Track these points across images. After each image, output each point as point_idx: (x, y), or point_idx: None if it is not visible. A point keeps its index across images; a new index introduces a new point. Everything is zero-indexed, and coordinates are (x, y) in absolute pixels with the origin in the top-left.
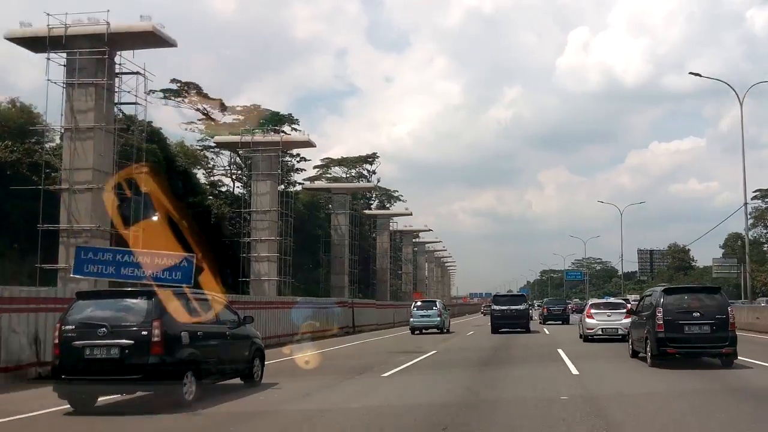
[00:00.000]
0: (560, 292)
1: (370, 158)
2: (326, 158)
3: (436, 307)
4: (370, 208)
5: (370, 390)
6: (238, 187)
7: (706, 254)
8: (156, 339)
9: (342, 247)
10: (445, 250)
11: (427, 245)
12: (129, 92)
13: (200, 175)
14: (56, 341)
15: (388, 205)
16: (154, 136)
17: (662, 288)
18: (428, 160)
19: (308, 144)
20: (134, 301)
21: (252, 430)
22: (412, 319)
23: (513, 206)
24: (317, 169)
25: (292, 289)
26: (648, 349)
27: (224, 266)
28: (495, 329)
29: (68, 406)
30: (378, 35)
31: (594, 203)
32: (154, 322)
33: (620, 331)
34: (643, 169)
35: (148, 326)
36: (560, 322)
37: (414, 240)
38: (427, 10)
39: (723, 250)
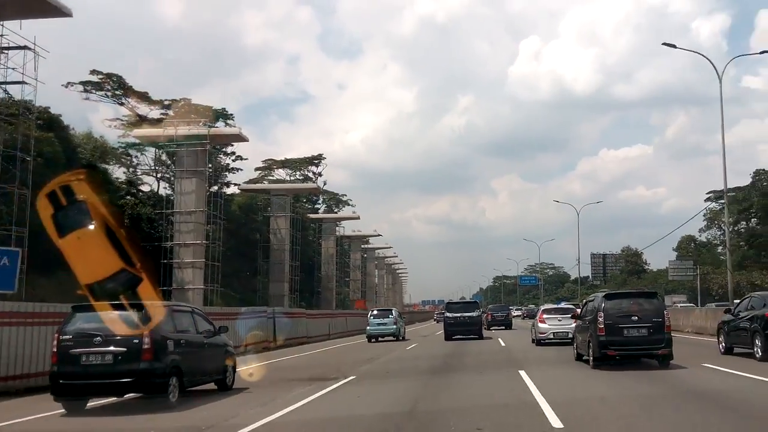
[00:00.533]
0: (513, 298)
1: (316, 160)
2: (268, 159)
3: (392, 315)
4: (317, 213)
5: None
6: (165, 187)
7: (658, 258)
8: (146, 346)
9: (282, 253)
10: (396, 257)
11: (377, 251)
12: (15, 69)
13: (120, 173)
14: (54, 350)
15: (336, 210)
16: (54, 124)
17: (603, 293)
18: (382, 167)
19: (239, 138)
20: (126, 312)
21: None
22: (368, 328)
23: (467, 213)
24: (259, 172)
25: (224, 299)
26: (590, 351)
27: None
28: (448, 336)
29: (62, 409)
30: (330, 42)
31: (547, 210)
32: (145, 331)
33: (570, 335)
34: (593, 176)
35: (139, 335)
36: (503, 327)
37: (363, 246)
38: (380, 18)
39: (676, 253)
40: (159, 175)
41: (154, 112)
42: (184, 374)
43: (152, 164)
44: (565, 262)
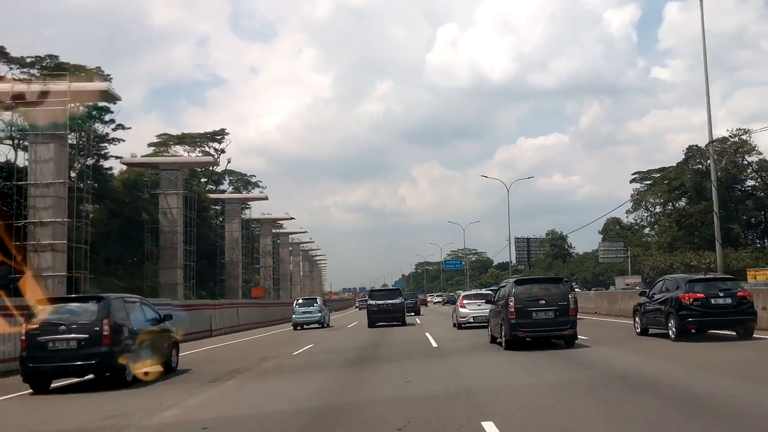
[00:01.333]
0: (436, 285)
1: (219, 135)
2: (163, 134)
3: (317, 303)
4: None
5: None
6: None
7: (582, 243)
8: (106, 333)
9: (174, 236)
10: (313, 242)
11: (291, 237)
12: None
13: None
14: (23, 337)
15: (245, 192)
16: None
17: (514, 279)
18: (299, 154)
19: (109, 96)
20: (86, 304)
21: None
22: (294, 316)
23: (387, 200)
24: (153, 148)
25: (103, 288)
26: (503, 333)
27: None
28: (372, 323)
29: (29, 390)
30: (242, 24)
31: (467, 197)
32: (104, 320)
33: (488, 317)
34: (511, 164)
35: (99, 323)
36: (413, 314)
37: (275, 231)
38: (293, 0)
39: (601, 236)
40: (15, 142)
41: (15, 71)
42: (133, 358)
43: (6, 128)
44: (487, 247)
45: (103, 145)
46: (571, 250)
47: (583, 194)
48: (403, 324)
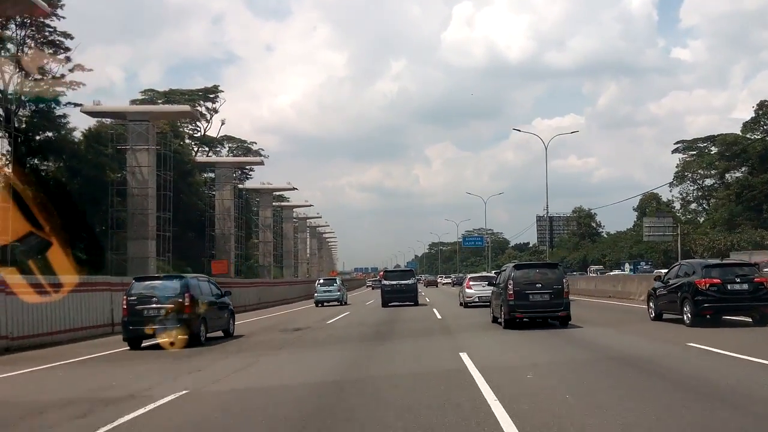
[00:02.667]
0: (450, 266)
1: (211, 93)
2: (149, 90)
3: (337, 283)
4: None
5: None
6: None
7: (612, 221)
8: (187, 304)
9: (145, 200)
10: (320, 217)
11: (296, 211)
12: None
13: None
14: (124, 306)
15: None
16: None
17: (513, 264)
18: (313, 132)
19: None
20: (171, 282)
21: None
22: (316, 294)
23: (400, 181)
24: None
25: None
26: (502, 314)
27: None
28: (385, 303)
29: (127, 347)
30: (257, 1)
31: (481, 178)
32: (186, 294)
33: (490, 298)
34: (525, 146)
35: (182, 296)
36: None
37: (277, 204)
38: None
39: (636, 214)
40: None
41: None
42: (207, 322)
43: None
44: (503, 228)
45: (59, 89)
46: (600, 230)
47: (600, 176)
48: (416, 304)
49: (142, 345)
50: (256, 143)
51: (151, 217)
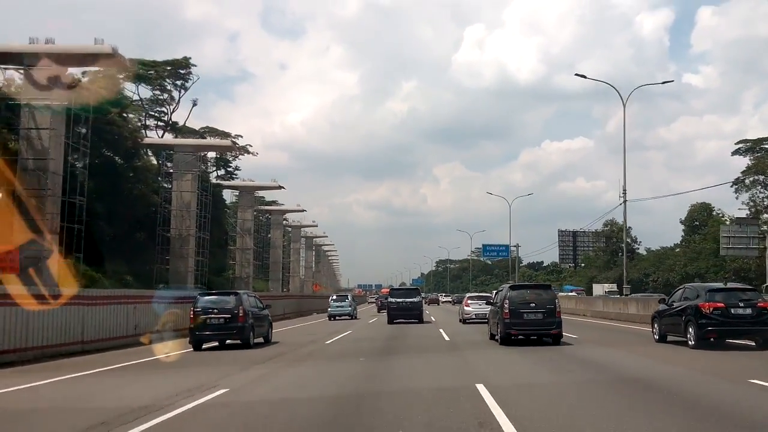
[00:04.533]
0: (458, 284)
1: (182, 68)
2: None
3: (348, 299)
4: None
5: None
6: None
7: (647, 239)
8: (241, 314)
9: (42, 177)
10: (316, 225)
11: (288, 218)
12: None
13: None
14: (192, 315)
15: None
16: None
17: (509, 285)
18: (323, 150)
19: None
20: (227, 297)
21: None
22: (330, 309)
23: (408, 200)
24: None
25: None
26: (498, 331)
27: None
28: (391, 320)
29: (191, 349)
30: (272, 21)
31: (489, 199)
32: (240, 306)
33: (487, 316)
34: (534, 167)
35: (237, 308)
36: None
37: (264, 208)
38: None
39: (683, 228)
40: None
41: None
42: (254, 330)
43: None
44: (522, 238)
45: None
46: (637, 246)
47: (608, 199)
48: (421, 322)
49: (203, 347)
50: (242, 137)
51: (52, 202)
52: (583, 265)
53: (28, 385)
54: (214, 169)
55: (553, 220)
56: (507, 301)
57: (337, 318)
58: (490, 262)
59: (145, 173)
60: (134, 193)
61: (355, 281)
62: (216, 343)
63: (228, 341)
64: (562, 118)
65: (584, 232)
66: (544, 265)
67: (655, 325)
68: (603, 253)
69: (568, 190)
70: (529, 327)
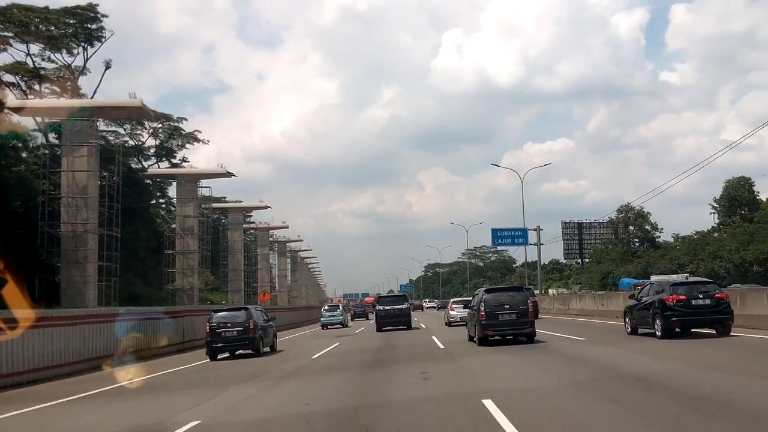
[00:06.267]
0: (450, 289)
1: (89, 18)
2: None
3: (339, 309)
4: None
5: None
6: None
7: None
8: (251, 327)
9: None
10: (287, 227)
11: (257, 223)
12: None
13: None
14: (208, 330)
15: (175, 151)
16: None
17: (485, 288)
18: (304, 160)
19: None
20: (239, 312)
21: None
22: (322, 318)
23: (393, 206)
24: None
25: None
26: (476, 333)
27: None
28: (379, 327)
29: (207, 360)
30: (248, 31)
31: (474, 202)
32: (250, 320)
33: (466, 319)
34: (518, 169)
35: (248, 322)
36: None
37: (217, 205)
38: (299, 7)
39: (716, 207)
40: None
41: None
42: (263, 341)
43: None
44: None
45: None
46: (656, 234)
47: (591, 199)
48: (409, 328)
49: (218, 358)
50: (186, 120)
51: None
52: (588, 260)
53: None
54: (143, 155)
55: (540, 221)
56: (483, 304)
57: (329, 327)
58: (483, 263)
59: (21, 151)
60: (5, 175)
61: (341, 290)
62: (224, 354)
63: (239, 351)
64: (543, 120)
65: (590, 223)
66: (544, 264)
67: (627, 319)
68: (615, 245)
69: (551, 190)
70: (505, 327)
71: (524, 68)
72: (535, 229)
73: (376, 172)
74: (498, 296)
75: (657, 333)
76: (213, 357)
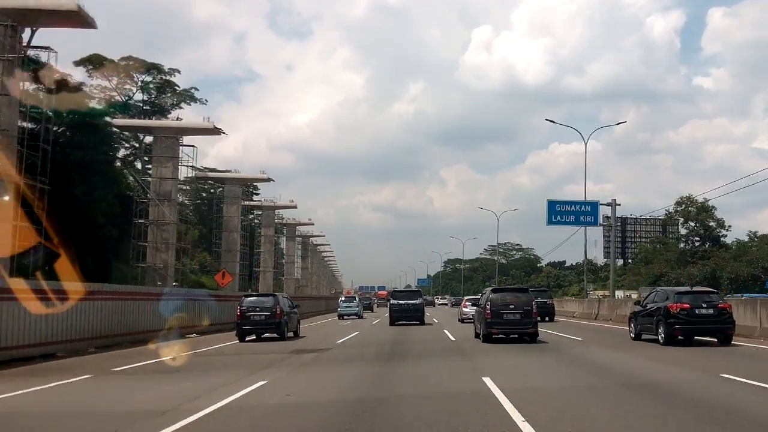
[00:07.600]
0: (470, 286)
1: None
2: None
3: (356, 300)
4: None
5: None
6: None
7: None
8: (278, 312)
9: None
10: (295, 206)
11: (276, 212)
12: None
13: None
14: (238, 313)
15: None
16: None
17: (491, 288)
18: (328, 152)
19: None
20: (267, 297)
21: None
22: (339, 309)
23: (414, 202)
24: None
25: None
26: (481, 330)
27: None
28: (392, 321)
29: (237, 341)
30: (279, 21)
31: (495, 201)
32: (277, 305)
33: (474, 316)
34: (541, 170)
35: (275, 307)
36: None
37: (250, 204)
38: None
39: None
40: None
41: None
42: (288, 325)
43: None
44: (532, 244)
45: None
46: (722, 233)
47: (617, 202)
48: (422, 323)
49: (246, 339)
50: (179, 72)
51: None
52: (630, 261)
53: None
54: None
55: None
56: (489, 303)
57: (345, 317)
58: (506, 261)
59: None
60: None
61: (358, 282)
62: (252, 337)
63: (265, 335)
64: (571, 120)
65: (636, 218)
66: (567, 264)
67: (632, 325)
68: (667, 244)
69: (574, 193)
70: (509, 326)
71: (554, 67)
72: (609, 204)
73: (399, 166)
74: (504, 296)
75: (660, 339)
76: (242, 338)
